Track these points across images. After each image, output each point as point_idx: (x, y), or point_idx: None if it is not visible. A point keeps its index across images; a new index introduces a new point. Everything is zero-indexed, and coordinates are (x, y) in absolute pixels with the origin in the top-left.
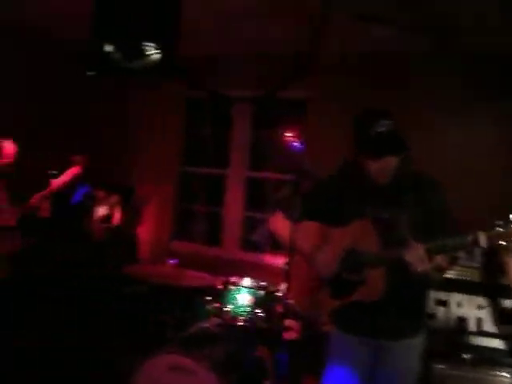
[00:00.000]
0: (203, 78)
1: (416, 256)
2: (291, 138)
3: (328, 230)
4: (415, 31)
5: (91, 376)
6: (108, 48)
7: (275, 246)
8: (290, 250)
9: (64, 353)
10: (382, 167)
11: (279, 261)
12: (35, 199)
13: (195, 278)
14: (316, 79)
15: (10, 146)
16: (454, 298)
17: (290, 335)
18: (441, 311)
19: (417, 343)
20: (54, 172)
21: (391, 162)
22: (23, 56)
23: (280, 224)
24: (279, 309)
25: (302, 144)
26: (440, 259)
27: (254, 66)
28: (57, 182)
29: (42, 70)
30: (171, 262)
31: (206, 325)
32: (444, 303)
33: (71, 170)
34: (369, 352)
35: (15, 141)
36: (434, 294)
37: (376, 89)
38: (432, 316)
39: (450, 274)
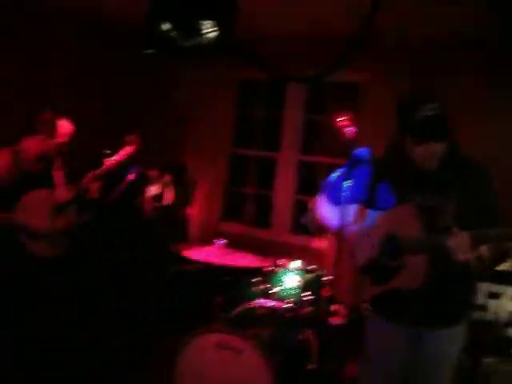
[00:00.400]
0: (258, 58)
1: (459, 244)
2: (343, 123)
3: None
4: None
5: (142, 350)
6: (164, 26)
7: (324, 230)
8: (330, 233)
9: (116, 327)
10: (427, 152)
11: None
12: (87, 179)
13: (244, 258)
14: (369, 63)
15: (66, 126)
16: (507, 291)
17: (336, 320)
18: (492, 304)
19: (457, 333)
20: (108, 151)
21: (437, 147)
22: (75, 38)
23: (322, 207)
24: (326, 293)
25: (354, 129)
26: (484, 249)
27: (307, 48)
28: (110, 162)
29: (94, 52)
30: (220, 242)
31: (253, 305)
32: (496, 296)
33: (124, 149)
34: (407, 339)
35: (70, 120)
36: (486, 287)
37: (430, 74)
38: (483, 308)
39: (504, 267)
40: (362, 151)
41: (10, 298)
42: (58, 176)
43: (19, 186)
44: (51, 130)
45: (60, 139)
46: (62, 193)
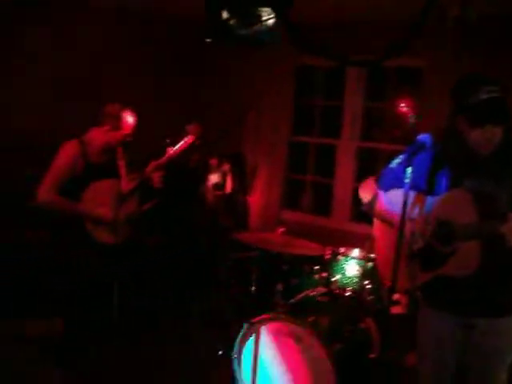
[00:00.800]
0: (317, 43)
1: None
2: (405, 109)
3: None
4: None
5: (203, 337)
6: (225, 15)
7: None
8: (376, 218)
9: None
10: (484, 137)
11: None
12: (150, 168)
13: (304, 246)
14: (432, 46)
15: (129, 117)
16: None
17: (397, 309)
18: None
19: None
20: (169, 140)
21: (494, 131)
22: (137, 28)
23: (370, 190)
24: (387, 282)
25: (416, 114)
26: None
27: (367, 32)
28: (172, 151)
29: (155, 42)
30: (280, 230)
31: (313, 293)
32: None
33: (186, 138)
34: (459, 329)
35: (134, 111)
36: None
37: (495, 58)
38: None
39: None
40: (423, 137)
41: (79, 283)
42: (122, 166)
43: (86, 176)
44: (116, 122)
45: (124, 131)
46: (126, 183)
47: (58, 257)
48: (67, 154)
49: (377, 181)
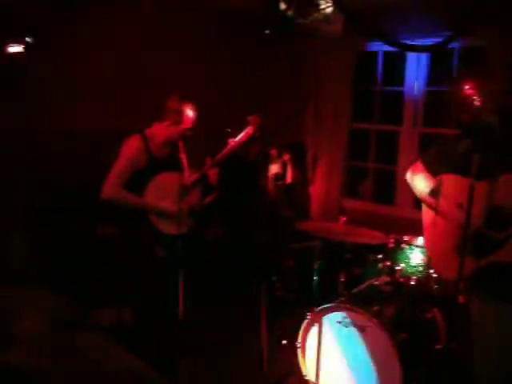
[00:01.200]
0: (376, 28)
1: None
2: (470, 91)
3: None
4: None
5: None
6: (282, 6)
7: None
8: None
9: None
10: None
11: None
12: (210, 162)
13: (366, 235)
14: (498, 25)
15: (190, 112)
16: None
17: (464, 298)
18: None
19: None
20: (230, 131)
21: None
22: (201, 19)
23: (419, 175)
24: (438, 272)
25: (481, 97)
26: None
27: (427, 14)
28: (234, 142)
29: (218, 33)
30: (342, 219)
31: (377, 282)
32: None
33: (246, 129)
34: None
35: (194, 105)
36: None
37: None
38: None
39: None
40: (489, 120)
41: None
42: (184, 159)
43: (149, 169)
44: (178, 117)
45: (185, 125)
46: (188, 175)
47: (124, 248)
48: (130, 148)
49: (427, 164)
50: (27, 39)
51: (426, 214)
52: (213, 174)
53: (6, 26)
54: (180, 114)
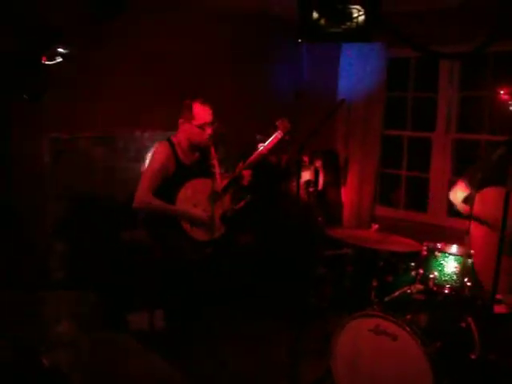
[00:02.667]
0: (407, 35)
1: None
2: (506, 96)
3: None
4: None
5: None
6: (315, 15)
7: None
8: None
9: (269, 311)
10: None
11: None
12: (241, 166)
13: (399, 242)
14: None
15: (201, 108)
16: None
17: (500, 308)
18: None
19: None
20: (260, 137)
21: None
22: (228, 26)
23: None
24: (486, 282)
25: None
26: None
27: (458, 19)
28: (263, 147)
29: (246, 39)
30: (374, 226)
31: (410, 291)
32: None
33: (275, 134)
34: None
35: (205, 101)
36: None
37: None
38: None
39: None
40: None
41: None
42: (215, 165)
43: (178, 176)
44: (188, 113)
45: (196, 121)
46: (219, 181)
47: (157, 253)
48: (159, 155)
49: (468, 180)
50: (62, 50)
51: (476, 227)
52: (246, 175)
53: (43, 38)
54: (190, 109)
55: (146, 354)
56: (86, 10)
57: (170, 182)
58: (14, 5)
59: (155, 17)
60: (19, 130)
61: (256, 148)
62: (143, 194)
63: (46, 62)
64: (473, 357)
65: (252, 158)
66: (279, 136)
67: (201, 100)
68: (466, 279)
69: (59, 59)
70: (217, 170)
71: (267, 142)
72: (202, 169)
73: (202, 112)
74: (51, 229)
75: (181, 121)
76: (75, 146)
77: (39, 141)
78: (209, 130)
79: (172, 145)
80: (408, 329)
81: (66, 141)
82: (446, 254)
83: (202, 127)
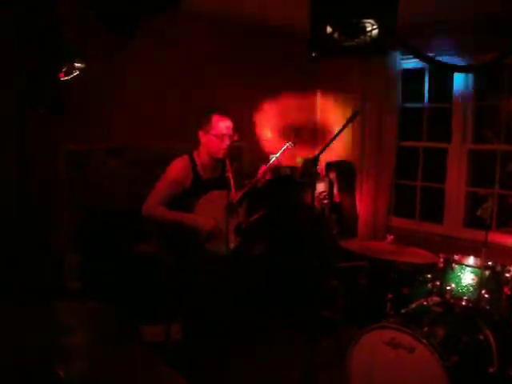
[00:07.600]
0: (421, 47)
1: None
2: None
3: None
4: None
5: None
6: (329, 29)
7: (503, 223)
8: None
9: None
10: None
11: (508, 239)
12: (260, 173)
13: (415, 254)
14: None
15: (219, 120)
16: None
17: None
18: None
19: None
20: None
21: None
22: (241, 38)
23: None
24: (508, 291)
25: None
26: None
27: (471, 31)
28: (275, 157)
29: (259, 52)
30: (390, 237)
31: (427, 303)
32: None
33: (286, 145)
34: None
35: (225, 114)
36: None
37: None
38: None
39: None
40: None
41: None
42: (230, 177)
43: (195, 189)
44: (206, 125)
45: (214, 131)
46: (235, 193)
47: (171, 266)
48: (175, 169)
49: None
50: (80, 65)
51: None
52: (261, 178)
53: (61, 54)
54: (209, 120)
55: (160, 367)
56: (101, 26)
57: (187, 195)
58: (38, 23)
59: (166, 34)
60: (35, 142)
61: (268, 159)
62: (150, 204)
63: (64, 78)
64: (491, 370)
65: (267, 167)
66: (287, 147)
67: (220, 112)
68: (483, 291)
69: (76, 73)
70: (232, 181)
71: (278, 153)
72: (220, 183)
73: (220, 123)
74: (67, 240)
75: (201, 133)
76: (91, 158)
77: (55, 153)
78: (226, 141)
79: (192, 159)
80: (425, 341)
81: (81, 153)
82: (463, 266)
83: (219, 137)
